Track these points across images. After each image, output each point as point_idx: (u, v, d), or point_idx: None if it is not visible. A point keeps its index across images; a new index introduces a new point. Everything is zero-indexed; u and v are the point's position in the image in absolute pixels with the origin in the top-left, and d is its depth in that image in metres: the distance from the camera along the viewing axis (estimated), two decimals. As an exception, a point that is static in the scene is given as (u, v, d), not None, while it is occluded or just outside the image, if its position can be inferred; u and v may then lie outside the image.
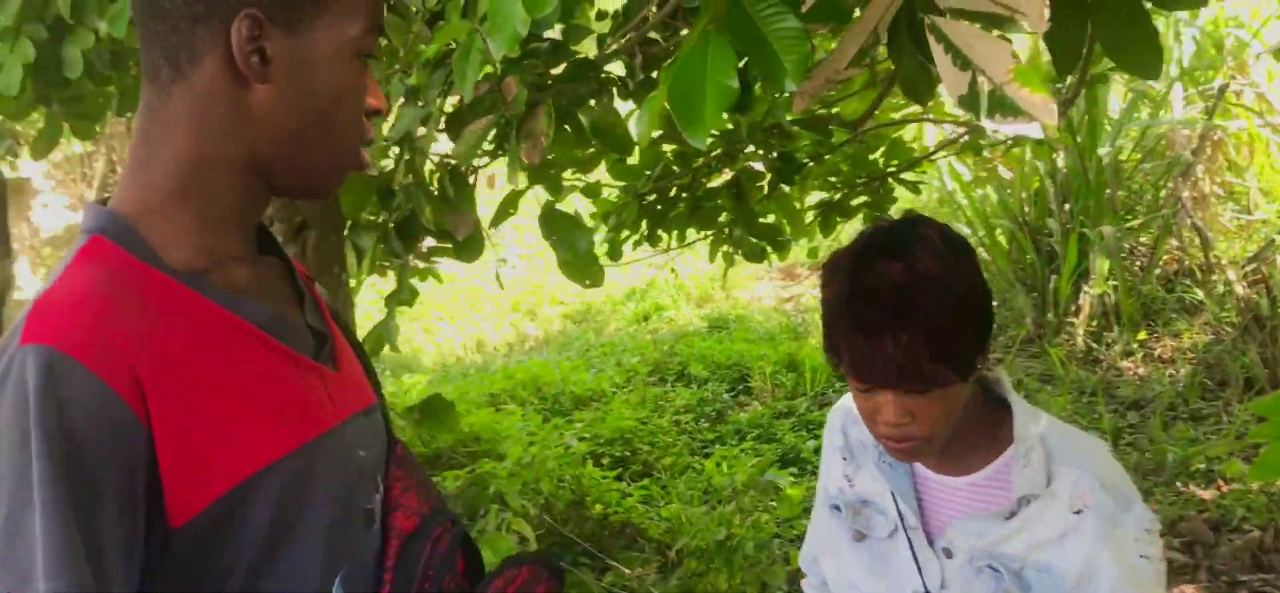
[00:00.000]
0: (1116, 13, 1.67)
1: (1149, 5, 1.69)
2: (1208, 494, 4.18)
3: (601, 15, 2.86)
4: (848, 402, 1.65)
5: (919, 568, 1.50)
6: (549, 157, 3.33)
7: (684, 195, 3.80)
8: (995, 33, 1.48)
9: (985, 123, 1.43)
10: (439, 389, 5.86)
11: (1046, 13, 1.40)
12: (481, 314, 8.03)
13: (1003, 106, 1.43)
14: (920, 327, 1.30)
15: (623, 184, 3.74)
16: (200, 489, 0.87)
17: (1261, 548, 3.81)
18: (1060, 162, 6.32)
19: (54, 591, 0.79)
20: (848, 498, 1.61)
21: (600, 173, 3.77)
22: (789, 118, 3.62)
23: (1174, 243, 6.20)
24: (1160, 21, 6.29)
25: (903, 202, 5.38)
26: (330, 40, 0.95)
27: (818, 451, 4.44)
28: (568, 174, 3.54)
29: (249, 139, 0.95)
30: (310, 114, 0.96)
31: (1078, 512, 1.37)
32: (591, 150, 3.03)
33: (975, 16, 1.44)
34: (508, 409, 5.34)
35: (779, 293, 7.81)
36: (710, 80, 1.44)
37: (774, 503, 4.00)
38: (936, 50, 1.49)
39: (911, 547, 1.51)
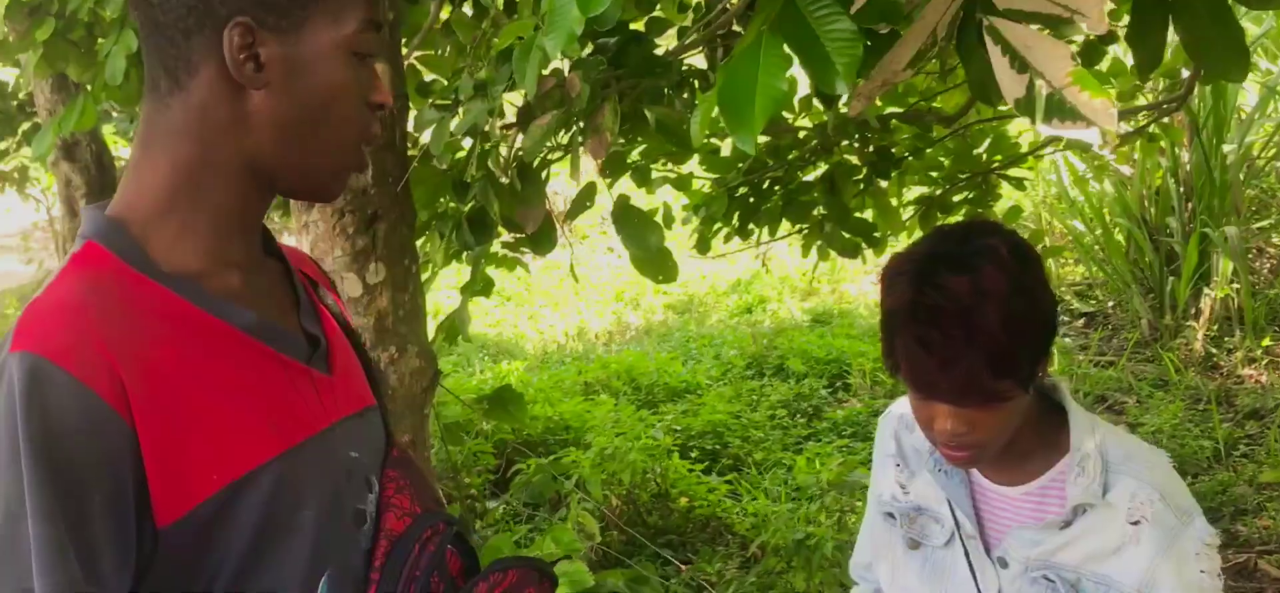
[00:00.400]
0: (1199, 13, 1.58)
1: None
2: (1330, 512, 3.97)
3: (684, 7, 2.85)
4: (899, 408, 1.63)
5: (975, 578, 1.47)
6: (637, 152, 3.34)
7: (776, 188, 3.76)
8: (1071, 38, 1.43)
9: (1042, 127, 1.38)
10: (536, 376, 5.95)
11: (1106, 14, 1.34)
12: (585, 303, 8.09)
13: (1061, 110, 1.38)
14: (984, 347, 1.27)
15: (715, 176, 3.72)
16: (187, 491, 0.89)
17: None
18: (1185, 158, 6.05)
19: (48, 586, 0.83)
20: (902, 506, 1.58)
21: (693, 164, 3.76)
22: (886, 110, 3.56)
23: (1307, 245, 5.90)
24: (1297, 11, 5.97)
25: (1008, 198, 5.25)
26: (323, 41, 0.96)
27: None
28: (659, 165, 3.53)
29: (249, 144, 0.97)
30: (308, 117, 0.97)
31: (1135, 523, 1.34)
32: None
33: (1034, 17, 1.39)
34: (600, 399, 5.36)
35: (886, 287, 7.67)
36: (761, 83, 1.43)
37: (860, 503, 3.93)
38: (994, 52, 1.45)
39: (968, 557, 1.48)
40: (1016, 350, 1.29)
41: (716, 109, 1.47)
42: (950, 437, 1.35)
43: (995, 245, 1.34)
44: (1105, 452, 1.40)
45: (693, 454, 4.71)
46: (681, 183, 3.77)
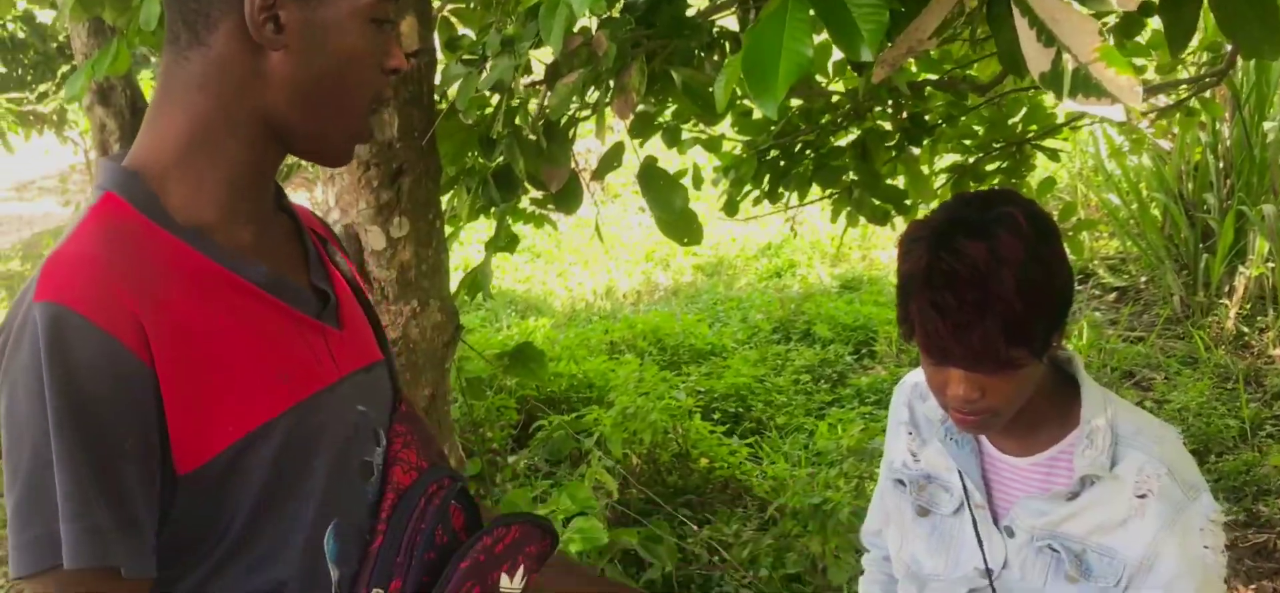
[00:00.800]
0: (1235, -11, 1.56)
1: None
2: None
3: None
4: (914, 377, 1.64)
5: (982, 547, 1.48)
6: (668, 113, 3.33)
7: (808, 152, 3.74)
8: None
9: (1067, 103, 1.38)
10: (563, 333, 5.97)
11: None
12: (614, 261, 8.10)
13: (1086, 86, 1.37)
14: (999, 314, 1.28)
15: (746, 138, 3.71)
16: (205, 440, 0.91)
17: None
18: (1225, 133, 5.97)
19: (71, 531, 0.85)
20: (912, 473, 1.61)
21: (725, 126, 3.74)
22: (921, 78, 3.52)
23: (1344, 226, 5.80)
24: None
25: (1043, 169, 5.19)
26: (342, 7, 0.98)
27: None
28: (689, 126, 3.53)
29: (264, 103, 0.98)
30: (324, 80, 0.98)
31: (1142, 496, 1.36)
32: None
33: (1063, -10, 1.37)
34: (625, 358, 5.38)
35: (917, 255, 7.60)
36: (785, 48, 1.42)
37: (878, 470, 3.94)
38: (1020, 24, 1.43)
39: (975, 525, 1.50)
40: (1031, 319, 1.30)
41: (741, 73, 1.47)
42: (962, 403, 1.37)
43: (1013, 214, 1.35)
44: (1115, 425, 1.40)
45: (715, 416, 4.73)
46: (712, 144, 3.76)
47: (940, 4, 1.52)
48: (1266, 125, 5.84)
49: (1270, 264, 5.52)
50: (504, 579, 1.08)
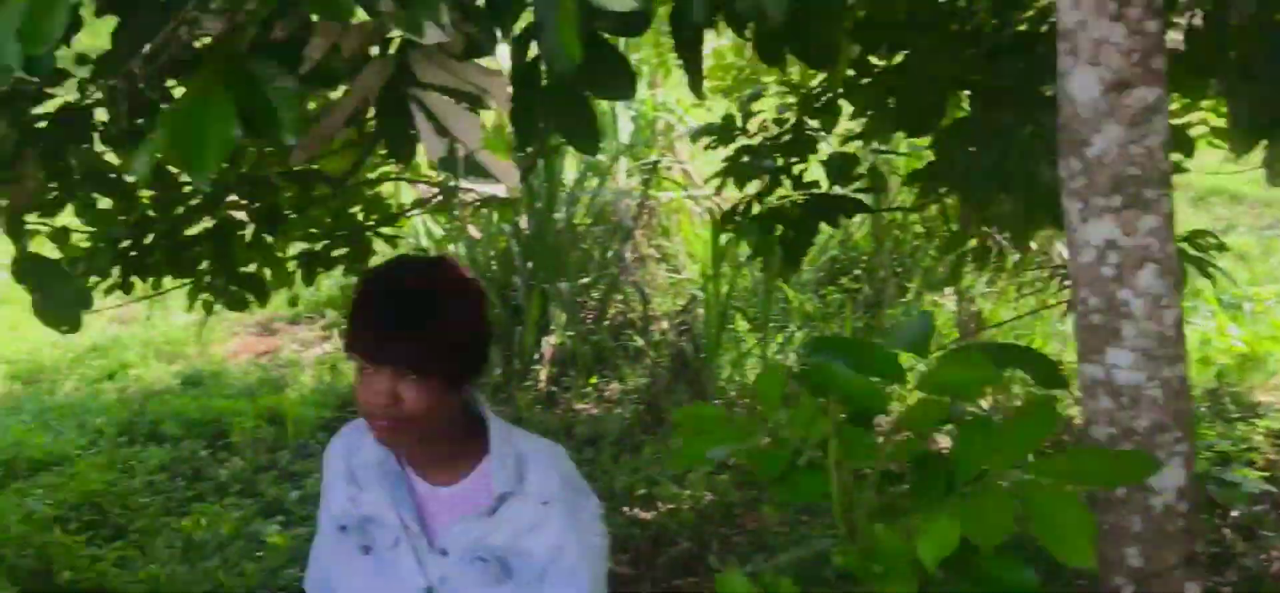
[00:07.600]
0: (564, 99, 2.03)
1: (588, 94, 2.08)
2: (648, 515, 4.85)
3: (82, 60, 2.80)
4: (346, 432, 1.86)
5: (423, 570, 1.75)
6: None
7: (162, 242, 3.75)
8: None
9: (461, 183, 1.75)
10: None
11: (509, 94, 1.72)
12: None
13: (474, 169, 1.74)
14: (430, 320, 1.60)
15: (93, 230, 3.61)
16: None
17: (690, 557, 4.52)
18: (524, 224, 6.93)
19: None
20: (353, 517, 1.80)
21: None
22: (276, 171, 3.73)
23: (618, 298, 7.04)
24: (605, 103, 7.16)
25: (382, 254, 5.66)
26: None
27: (302, 500, 4.54)
28: (33, 218, 3.36)
29: None
30: None
31: (546, 503, 1.71)
32: (54, 194, 2.94)
33: (452, 93, 1.73)
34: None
35: (256, 347, 7.67)
36: (211, 129, 1.60)
37: (260, 554, 4.02)
38: (419, 119, 1.77)
39: (415, 552, 1.75)
40: (449, 336, 1.62)
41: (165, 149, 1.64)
42: (382, 409, 1.61)
43: (457, 265, 1.75)
44: (519, 449, 1.75)
45: (72, 526, 4.44)
46: (57, 236, 3.61)
47: (350, 100, 1.80)
48: (557, 216, 6.91)
49: (569, 333, 6.52)
50: None
